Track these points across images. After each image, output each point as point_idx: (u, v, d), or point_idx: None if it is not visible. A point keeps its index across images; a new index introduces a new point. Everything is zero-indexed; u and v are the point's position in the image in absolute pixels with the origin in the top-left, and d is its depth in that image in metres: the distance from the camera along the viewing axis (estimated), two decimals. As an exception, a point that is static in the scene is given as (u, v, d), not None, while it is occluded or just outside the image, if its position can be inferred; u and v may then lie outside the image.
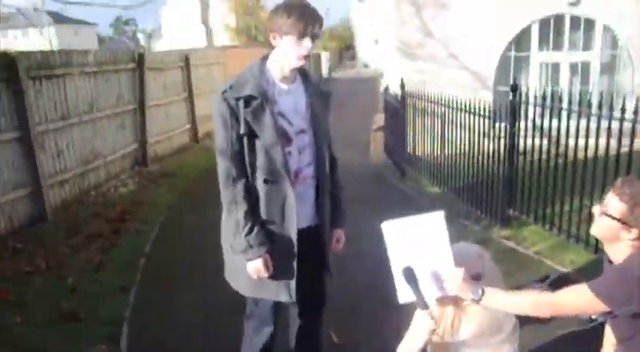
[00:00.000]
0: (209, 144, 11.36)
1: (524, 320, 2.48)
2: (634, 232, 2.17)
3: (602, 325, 2.58)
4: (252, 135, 2.49)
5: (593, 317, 2.40)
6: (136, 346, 3.70)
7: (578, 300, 2.22)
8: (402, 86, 8.13)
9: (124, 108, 8.45)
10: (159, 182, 8.25)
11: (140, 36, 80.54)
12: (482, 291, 2.26)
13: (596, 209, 2.32)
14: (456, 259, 2.30)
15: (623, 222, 2.18)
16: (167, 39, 57.45)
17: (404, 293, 2.33)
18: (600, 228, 2.29)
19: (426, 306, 2.29)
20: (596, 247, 4.66)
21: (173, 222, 6.50)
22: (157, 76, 9.70)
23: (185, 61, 11.07)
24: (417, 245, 2.31)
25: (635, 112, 4.09)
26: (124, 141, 8.49)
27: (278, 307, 2.78)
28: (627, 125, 4.22)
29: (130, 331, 3.89)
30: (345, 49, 58.80)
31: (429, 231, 2.30)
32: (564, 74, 9.73)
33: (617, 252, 2.28)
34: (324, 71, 27.31)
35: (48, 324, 3.93)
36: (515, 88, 5.48)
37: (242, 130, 2.47)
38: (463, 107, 6.40)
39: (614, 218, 2.21)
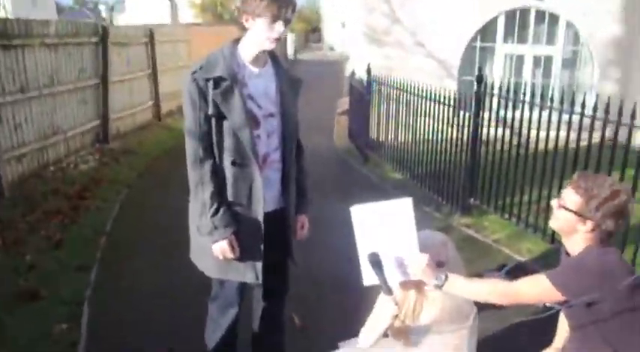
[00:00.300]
0: (172, 123, 11.24)
1: (481, 307, 2.55)
2: (589, 224, 2.26)
3: (556, 313, 2.68)
4: (220, 117, 2.48)
5: (549, 305, 2.48)
6: (97, 325, 3.67)
7: (537, 290, 2.30)
8: (369, 72, 8.16)
9: (85, 83, 8.27)
10: (120, 159, 8.12)
11: (102, 8, 78.61)
12: (445, 277, 2.31)
13: (554, 202, 2.40)
14: (421, 246, 2.34)
15: (579, 214, 2.27)
16: (130, 12, 56.16)
17: (369, 277, 2.37)
18: (558, 220, 2.38)
19: (390, 292, 2.33)
20: (553, 237, 4.80)
21: (134, 201, 6.43)
22: (120, 50, 9.49)
23: (150, 36, 10.86)
24: (384, 230, 2.35)
25: (595, 109, 4.21)
26: (85, 117, 8.31)
27: (243, 288, 2.80)
28: (587, 120, 4.35)
29: (91, 310, 3.85)
30: (312, 31, 58.59)
31: (396, 217, 2.34)
32: (528, 67, 9.90)
33: (575, 244, 2.36)
34: (290, 52, 27.18)
35: (6, 303, 3.87)
36: (480, 79, 5.56)
37: (210, 111, 2.47)
38: (428, 95, 6.47)
39: (570, 210, 2.29)
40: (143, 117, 10.64)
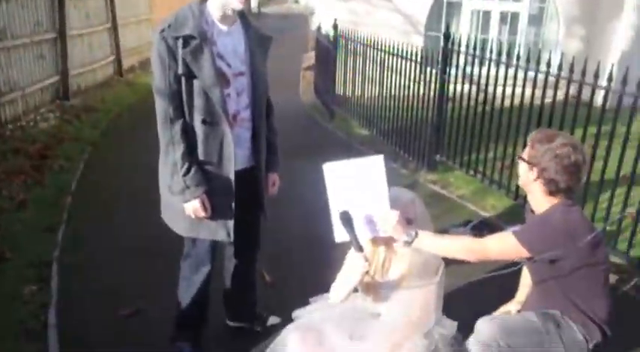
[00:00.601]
0: (134, 78, 11.01)
1: (447, 262, 2.63)
2: (535, 171, 2.36)
3: (518, 269, 2.78)
4: (190, 76, 2.47)
5: (512, 261, 2.58)
6: (66, 286, 3.67)
7: (503, 247, 2.38)
8: (335, 27, 8.08)
9: (42, 37, 7.98)
10: (82, 117, 7.95)
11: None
12: (415, 234, 2.38)
13: (519, 159, 2.50)
14: (390, 203, 2.40)
15: (528, 162, 2.38)
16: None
17: (340, 233, 2.42)
18: (519, 173, 2.49)
19: (360, 248, 2.39)
20: (517, 193, 4.92)
21: (98, 159, 6.34)
22: (77, 2, 9.17)
23: (108, -12, 10.51)
24: (356, 187, 2.39)
25: (559, 68, 4.28)
26: (44, 73, 8.06)
27: (215, 247, 2.84)
28: (552, 78, 4.42)
29: (61, 271, 3.84)
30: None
31: (367, 174, 2.38)
32: (494, 23, 9.92)
33: (537, 201, 2.45)
34: (254, 5, 26.65)
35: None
36: (448, 36, 5.57)
37: (180, 70, 2.46)
38: (395, 51, 6.46)
39: (523, 160, 2.41)
40: (104, 73, 10.38)
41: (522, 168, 2.45)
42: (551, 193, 2.38)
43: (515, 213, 4.58)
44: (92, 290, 3.63)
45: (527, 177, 2.43)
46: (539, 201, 2.44)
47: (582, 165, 2.35)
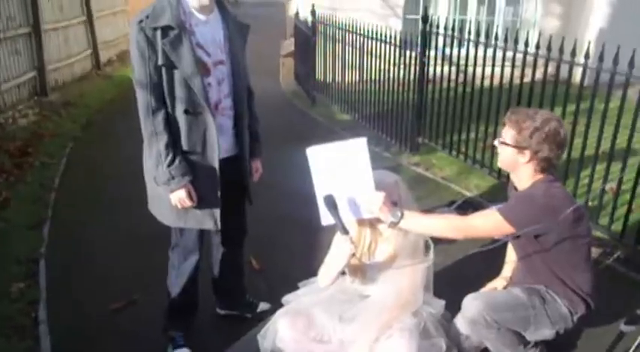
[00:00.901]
0: (112, 72, 10.91)
1: (434, 242, 2.67)
2: (527, 153, 2.41)
3: (503, 245, 2.83)
4: (170, 66, 2.48)
5: (497, 238, 2.63)
6: (55, 282, 3.66)
7: (489, 224, 2.43)
8: (313, 13, 8.07)
9: (16, 32, 7.83)
10: (61, 112, 7.87)
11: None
12: (401, 214, 2.41)
13: (496, 142, 2.53)
14: (375, 185, 2.43)
15: (517, 146, 2.40)
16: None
17: (326, 217, 2.45)
18: (502, 157, 2.52)
19: (346, 231, 2.42)
20: (499, 172, 4.98)
21: (81, 155, 6.29)
22: (50, -5, 9.05)
23: (82, -21, 10.36)
24: (340, 170, 2.42)
25: (537, 47, 4.32)
26: (20, 69, 7.94)
27: (202, 236, 2.86)
28: (530, 57, 4.45)
29: (49, 268, 3.83)
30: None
31: (351, 157, 2.41)
32: (472, 4, 9.91)
33: (521, 178, 2.50)
34: (229, -7, 26.46)
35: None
36: (426, 19, 5.59)
37: (160, 61, 2.46)
38: (374, 35, 6.47)
39: (509, 145, 2.42)
40: (82, 67, 10.26)
41: (507, 152, 2.46)
42: (542, 171, 2.43)
43: (499, 191, 4.65)
44: (82, 285, 3.63)
45: (514, 161, 2.45)
46: (524, 179, 2.48)
47: (566, 135, 2.41)
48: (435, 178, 5.43)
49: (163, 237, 2.93)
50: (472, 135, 5.37)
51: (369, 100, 6.81)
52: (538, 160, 2.40)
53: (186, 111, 2.54)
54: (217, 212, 2.71)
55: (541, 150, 2.37)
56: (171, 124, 2.54)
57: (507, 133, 2.45)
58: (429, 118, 5.92)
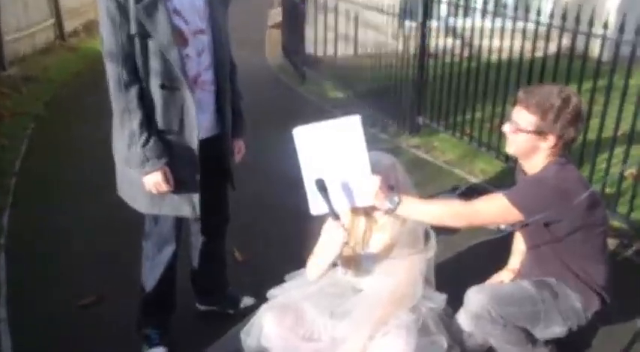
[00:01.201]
0: (78, 43, 10.83)
1: (437, 231, 2.68)
2: (551, 139, 2.39)
3: (509, 235, 2.85)
4: (144, 36, 2.45)
5: (502, 227, 2.64)
6: (18, 276, 3.65)
7: (495, 210, 2.43)
8: (303, -21, 8.05)
9: (-32, -1, 7.82)
10: (21, 88, 7.82)
11: None
12: (399, 200, 2.41)
13: (507, 127, 2.51)
14: (371, 168, 2.42)
15: (538, 132, 2.39)
16: None
17: (316, 205, 2.44)
18: (517, 144, 2.48)
19: (337, 217, 2.42)
20: (507, 155, 4.98)
21: (43, 136, 6.26)
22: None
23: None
24: (331, 152, 2.41)
25: (551, 16, 4.31)
26: (-26, 40, 7.92)
27: (180, 224, 2.86)
28: (542, 28, 4.45)
29: (10, 260, 3.82)
30: None
31: (344, 137, 2.39)
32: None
33: (535, 162, 2.49)
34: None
35: None
36: (427, -16, 5.58)
37: (133, 30, 2.43)
38: (370, 4, 6.44)
39: (529, 132, 2.41)
40: (44, 38, 10.18)
41: (524, 138, 2.43)
42: (558, 153, 2.43)
43: (507, 176, 4.66)
44: (47, 279, 3.62)
45: (533, 147, 2.42)
46: (538, 164, 2.47)
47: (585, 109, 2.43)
48: (437, 162, 5.45)
49: (136, 225, 2.93)
50: (478, 114, 5.39)
51: (364, 76, 6.79)
52: (562, 143, 2.40)
53: (162, 86, 2.51)
54: (196, 197, 2.70)
55: (567, 133, 2.37)
56: (145, 100, 2.52)
57: (524, 118, 2.41)
58: (430, 96, 5.92)
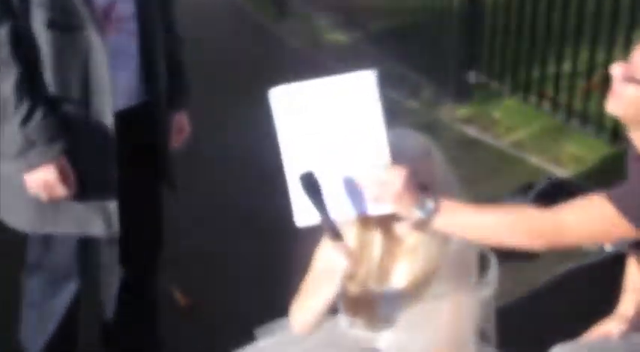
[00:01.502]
0: None
1: (501, 257, 2.64)
2: None
3: (619, 259, 2.82)
4: None
5: (607, 247, 2.61)
6: None
7: (592, 221, 2.36)
8: None
9: None
10: None
11: None
12: (436, 206, 2.36)
13: (616, 70, 2.45)
14: (392, 156, 2.36)
15: None
16: None
17: (303, 211, 2.38)
18: (626, 100, 2.43)
19: (337, 235, 2.37)
20: (615, 133, 4.95)
21: None
22: None
23: None
24: (329, 128, 2.36)
25: None
26: None
27: (85, 249, 2.87)
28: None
29: None
30: None
31: (349, 105, 2.33)
32: None
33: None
34: None
35: None
36: None
37: None
38: None
39: None
40: None
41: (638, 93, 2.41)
42: None
43: (614, 166, 4.63)
44: None
45: None
46: None
47: None
48: (499, 145, 5.48)
49: (12, 254, 2.89)
50: (566, 67, 5.38)
51: (380, 7, 6.78)
52: None
53: (50, 24, 2.51)
54: (112, 206, 2.71)
55: None
56: (25, 48, 2.50)
57: None
58: (488, 40, 5.92)
